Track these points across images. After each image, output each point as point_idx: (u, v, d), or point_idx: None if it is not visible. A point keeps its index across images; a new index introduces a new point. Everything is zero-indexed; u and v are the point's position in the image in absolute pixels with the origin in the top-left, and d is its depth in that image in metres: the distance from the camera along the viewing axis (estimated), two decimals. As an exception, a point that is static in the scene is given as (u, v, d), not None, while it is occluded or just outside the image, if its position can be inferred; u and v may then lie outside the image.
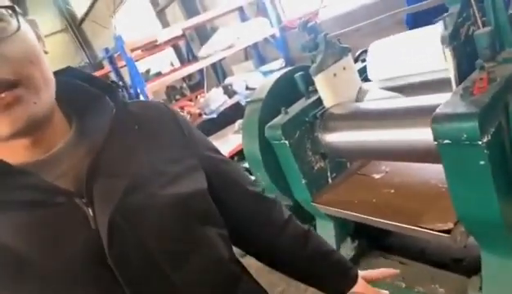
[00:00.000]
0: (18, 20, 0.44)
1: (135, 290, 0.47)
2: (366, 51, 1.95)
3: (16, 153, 0.47)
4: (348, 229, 1.68)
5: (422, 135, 1.10)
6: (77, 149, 0.51)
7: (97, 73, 5.31)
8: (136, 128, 0.54)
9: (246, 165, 2.07)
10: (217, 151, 0.69)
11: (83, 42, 8.34)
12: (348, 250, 1.62)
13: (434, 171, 1.35)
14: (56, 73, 0.50)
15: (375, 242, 1.67)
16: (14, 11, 0.44)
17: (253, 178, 1.95)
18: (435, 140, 0.96)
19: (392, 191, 1.42)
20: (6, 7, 0.44)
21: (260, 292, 0.68)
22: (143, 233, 0.49)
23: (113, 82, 0.63)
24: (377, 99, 1.53)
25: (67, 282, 0.45)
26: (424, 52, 1.41)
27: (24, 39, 0.45)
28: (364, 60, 1.82)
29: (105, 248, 0.45)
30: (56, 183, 0.47)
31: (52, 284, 0.44)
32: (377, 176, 1.57)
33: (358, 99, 1.60)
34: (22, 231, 0.45)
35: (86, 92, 0.55)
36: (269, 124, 1.54)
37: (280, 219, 0.74)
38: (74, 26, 8.40)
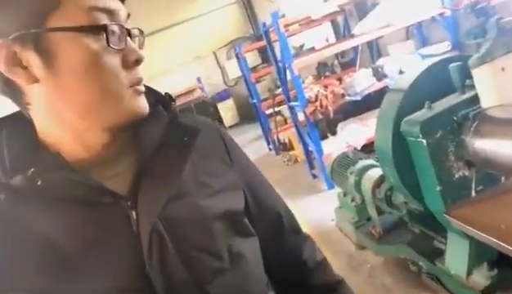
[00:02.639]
0: (143, 37, 0.56)
1: None
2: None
3: (74, 150, 0.51)
4: (487, 253, 1.41)
5: None
6: (128, 154, 0.54)
7: (255, 46, 5.69)
8: (186, 139, 0.56)
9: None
10: (258, 173, 0.69)
11: (251, 15, 8.95)
12: (481, 277, 1.38)
13: None
14: None
15: (522, 278, 1.37)
16: (141, 32, 0.55)
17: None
18: None
19: (558, 225, 1.12)
20: (139, 30, 0.55)
21: None
22: (183, 243, 0.50)
23: (166, 93, 0.69)
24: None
25: (106, 282, 0.47)
26: None
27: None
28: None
29: (144, 253, 0.47)
30: (106, 184, 0.50)
31: (92, 282, 0.46)
32: (541, 201, 1.26)
33: (532, 102, 1.28)
34: (69, 227, 0.47)
35: None
36: (407, 118, 1.38)
37: (311, 260, 0.70)
38: (246, -1, 9.08)
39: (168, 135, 0.55)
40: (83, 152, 0.51)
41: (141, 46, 0.54)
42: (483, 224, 1.26)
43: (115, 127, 0.51)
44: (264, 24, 3.53)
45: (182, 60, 8.86)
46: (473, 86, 1.31)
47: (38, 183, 0.46)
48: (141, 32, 0.55)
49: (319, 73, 5.13)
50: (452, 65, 1.36)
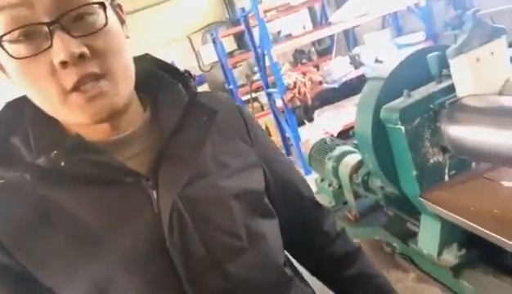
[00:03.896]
0: (106, 15, 0.46)
1: (189, 276, 0.49)
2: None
3: (93, 134, 0.50)
4: (457, 234, 1.50)
5: None
6: (149, 134, 0.54)
7: (232, 31, 5.62)
8: (205, 118, 0.56)
9: (355, 142, 2.00)
10: (278, 151, 0.69)
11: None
12: (451, 256, 1.47)
13: None
14: (134, 60, 0.53)
15: (488, 256, 1.47)
16: (103, 6, 0.46)
17: (360, 157, 1.88)
18: None
19: (523, 206, 1.20)
20: (96, 3, 0.46)
21: None
22: (203, 222, 0.51)
23: (186, 71, 0.66)
24: (528, 95, 1.27)
25: (128, 260, 0.48)
26: None
27: (110, 32, 0.47)
28: (524, 45, 1.51)
29: (165, 232, 0.48)
30: (126, 163, 0.50)
31: (114, 260, 0.48)
32: (507, 185, 1.34)
33: (503, 92, 1.35)
34: (91, 205, 0.48)
35: (161, 79, 0.57)
36: (387, 105, 1.43)
37: (333, 231, 0.72)
38: (222, -18, 8.88)
39: (187, 114, 0.54)
40: (92, 135, 0.50)
41: (90, 27, 0.45)
42: (455, 206, 1.34)
43: (90, 124, 0.48)
44: (243, 10, 3.49)
45: (155, 43, 8.62)
46: (449, 76, 1.37)
47: (62, 164, 0.46)
48: (101, 3, 0.46)
49: (296, 60, 5.16)
50: (430, 55, 1.41)
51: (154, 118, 0.56)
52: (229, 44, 6.97)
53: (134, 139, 0.53)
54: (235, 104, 0.65)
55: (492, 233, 1.15)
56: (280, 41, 4.38)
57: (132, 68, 0.51)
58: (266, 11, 3.40)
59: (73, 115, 0.47)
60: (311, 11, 5.48)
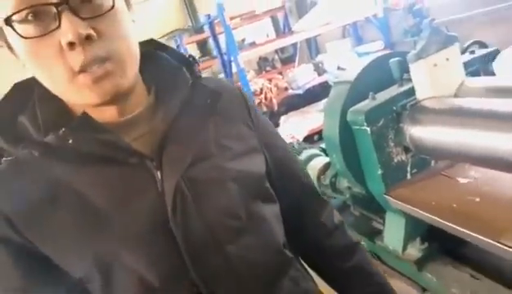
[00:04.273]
0: None
1: (191, 255, 0.50)
2: (477, 43, 1.76)
3: (99, 115, 0.51)
4: (419, 229, 1.59)
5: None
6: (153, 116, 0.55)
7: (197, 38, 5.61)
8: (208, 102, 0.57)
9: (323, 146, 2.06)
10: (279, 138, 0.70)
11: (189, 6, 8.78)
12: (414, 250, 1.55)
13: (533, 187, 1.21)
14: (140, 44, 0.53)
15: (447, 248, 1.57)
16: None
17: (327, 159, 1.94)
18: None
19: (478, 199, 1.30)
20: None
21: (308, 280, 0.67)
22: (205, 203, 0.52)
23: (190, 56, 0.66)
24: (479, 97, 1.38)
25: (132, 239, 0.49)
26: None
27: (116, 15, 0.47)
28: (473, 52, 1.64)
29: (169, 212, 0.49)
30: (131, 144, 0.51)
31: (119, 238, 0.48)
32: (463, 181, 1.45)
33: (457, 95, 1.47)
34: (97, 184, 0.49)
35: (165, 63, 0.58)
36: (353, 108, 1.50)
37: (331, 222, 0.73)
38: (183, -11, 8.86)
39: (191, 97, 0.55)
40: (99, 116, 0.51)
41: (97, 9, 0.45)
42: (417, 202, 1.42)
43: (98, 105, 0.49)
44: (209, 16, 3.51)
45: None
46: (410, 80, 1.46)
47: (69, 142, 0.46)
48: None
49: (260, 67, 5.23)
50: (392, 60, 1.51)
51: (158, 101, 0.56)
52: (193, 51, 6.94)
53: (139, 121, 0.54)
54: (239, 90, 0.66)
55: (452, 225, 1.23)
56: (244, 48, 4.44)
57: (137, 51, 0.52)
58: (230, 19, 3.44)
59: (80, 95, 0.47)
60: (274, 20, 5.61)
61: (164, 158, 0.51)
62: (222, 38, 3.50)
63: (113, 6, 0.47)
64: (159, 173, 0.51)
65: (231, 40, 3.11)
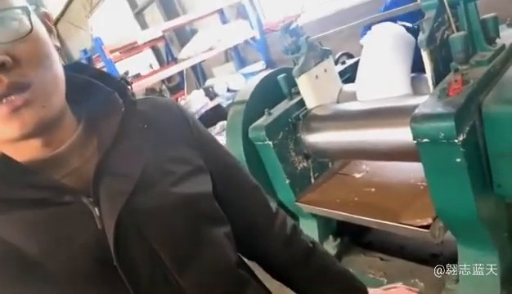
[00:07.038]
0: (31, 21, 0.42)
1: (141, 292, 0.46)
2: (345, 54, 2.01)
3: (24, 152, 0.45)
4: (330, 227, 1.72)
5: (401, 134, 1.14)
6: (85, 148, 0.50)
7: (74, 75, 5.20)
8: (145, 127, 0.53)
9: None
10: (223, 150, 0.67)
11: (61, 46, 8.14)
12: (330, 248, 1.66)
13: (412, 170, 1.41)
14: (65, 69, 0.48)
15: (356, 239, 1.71)
16: (27, 11, 0.43)
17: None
18: (414, 138, 1.00)
19: (373, 190, 1.47)
20: (19, 8, 0.42)
21: None
22: (150, 234, 0.48)
23: (122, 78, 0.58)
24: (357, 100, 1.58)
25: (71, 283, 0.44)
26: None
27: (36, 40, 0.43)
28: (344, 63, 1.87)
29: (112, 249, 0.45)
30: (63, 181, 0.46)
31: (56, 284, 0.44)
32: (358, 176, 1.62)
33: (339, 100, 1.64)
34: (27, 230, 0.44)
35: (96, 90, 0.53)
36: (253, 125, 1.55)
37: (285, 231, 0.71)
38: (49, 26, 8.16)
39: (126, 124, 0.50)
40: (23, 155, 0.45)
41: (12, 34, 0.41)
42: (325, 202, 1.53)
43: (19, 139, 0.43)
44: (86, 51, 3.29)
45: None
46: (298, 93, 1.59)
47: None
48: (24, 8, 0.42)
49: (148, 99, 5.09)
50: (280, 77, 1.62)
51: (90, 131, 0.51)
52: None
53: (70, 154, 0.48)
54: (177, 107, 0.61)
55: (358, 216, 1.36)
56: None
57: (61, 78, 0.46)
58: (110, 52, 3.29)
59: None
60: (155, 50, 5.55)
61: (102, 192, 0.46)
62: (103, 74, 3.30)
63: (31, 30, 0.42)
64: (97, 209, 0.46)
65: (115, 74, 2.96)
